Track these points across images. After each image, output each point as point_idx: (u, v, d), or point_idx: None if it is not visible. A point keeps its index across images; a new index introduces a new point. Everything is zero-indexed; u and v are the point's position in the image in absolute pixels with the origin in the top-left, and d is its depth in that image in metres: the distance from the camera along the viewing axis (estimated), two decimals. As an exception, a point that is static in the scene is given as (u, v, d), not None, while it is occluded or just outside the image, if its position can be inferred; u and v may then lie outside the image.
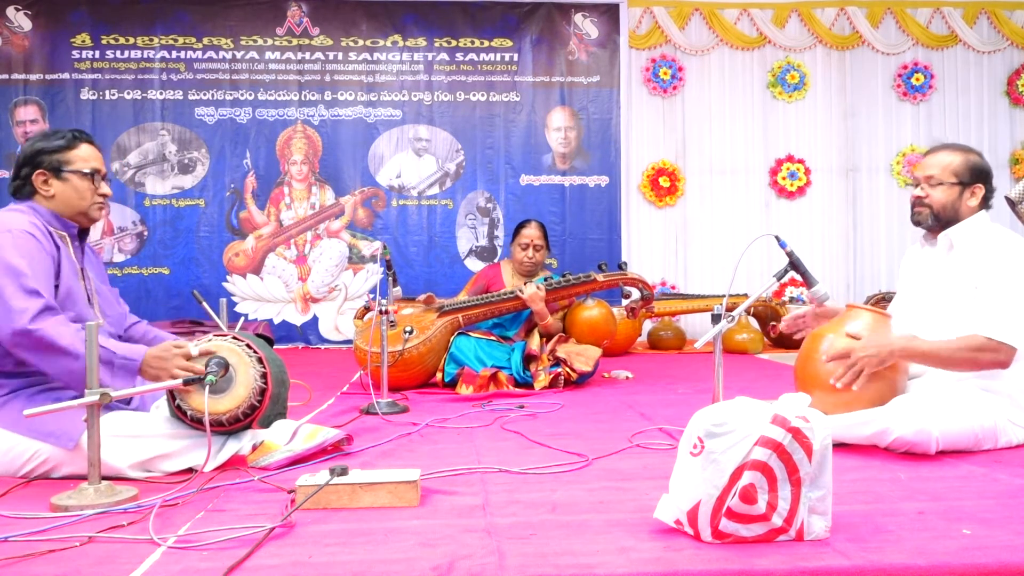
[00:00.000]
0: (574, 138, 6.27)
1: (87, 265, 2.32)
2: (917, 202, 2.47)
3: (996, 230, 2.41)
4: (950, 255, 2.45)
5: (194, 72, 6.03)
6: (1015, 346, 2.22)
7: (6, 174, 5.89)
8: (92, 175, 2.25)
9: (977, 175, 2.45)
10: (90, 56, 5.96)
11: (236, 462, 2.17)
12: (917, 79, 6.41)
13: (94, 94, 5.96)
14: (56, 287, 2.13)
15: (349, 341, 5.65)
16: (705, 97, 6.36)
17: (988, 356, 2.23)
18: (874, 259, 6.43)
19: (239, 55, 6.07)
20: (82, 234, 2.32)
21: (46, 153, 2.21)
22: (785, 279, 2.50)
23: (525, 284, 3.91)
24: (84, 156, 2.25)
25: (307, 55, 6.12)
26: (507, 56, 6.22)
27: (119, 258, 5.97)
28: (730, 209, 6.34)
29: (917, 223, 2.49)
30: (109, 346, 2.06)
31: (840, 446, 2.13)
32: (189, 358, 2.09)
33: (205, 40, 6.04)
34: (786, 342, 5.39)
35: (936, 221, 2.44)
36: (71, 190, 2.23)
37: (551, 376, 3.65)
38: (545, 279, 4.05)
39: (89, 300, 2.27)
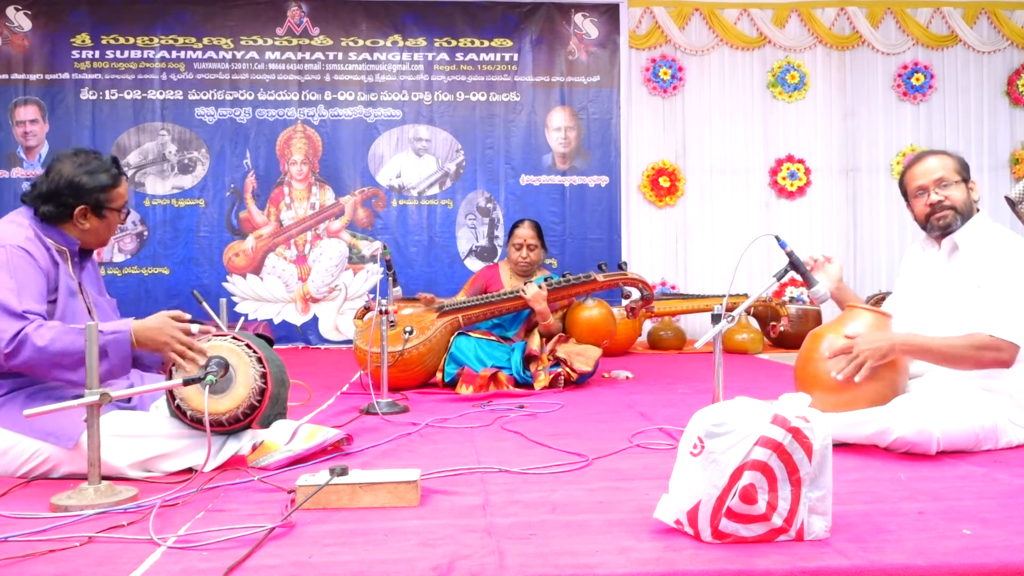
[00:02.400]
0: (574, 138, 6.27)
1: (85, 280, 2.31)
2: (937, 207, 2.42)
3: (998, 230, 2.41)
4: (953, 259, 2.44)
5: (194, 72, 6.03)
6: (1019, 344, 2.22)
7: (6, 174, 5.90)
8: (123, 210, 2.28)
9: (968, 170, 2.50)
10: (90, 56, 5.96)
11: (236, 462, 2.17)
12: (917, 79, 6.41)
13: (94, 94, 5.96)
14: (53, 302, 2.13)
15: (349, 341, 5.66)
16: (705, 97, 6.36)
17: (991, 355, 2.23)
18: (874, 259, 6.43)
19: (239, 55, 6.07)
20: (84, 251, 2.31)
21: (93, 191, 2.18)
22: (785, 279, 2.50)
23: (526, 284, 3.91)
24: (122, 193, 2.26)
25: (307, 55, 6.12)
26: (507, 56, 6.21)
27: (119, 258, 5.97)
28: (730, 209, 6.34)
29: (946, 227, 2.42)
30: None
31: (840, 446, 2.12)
32: (189, 333, 2.08)
33: (205, 40, 6.04)
34: (786, 342, 5.39)
35: (961, 221, 2.42)
36: (105, 226, 2.25)
37: (551, 376, 3.65)
38: (545, 278, 4.05)
39: (89, 313, 2.27)
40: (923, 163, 2.48)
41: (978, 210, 2.46)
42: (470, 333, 3.87)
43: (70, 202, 2.17)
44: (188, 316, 2.14)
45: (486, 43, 6.20)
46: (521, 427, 2.74)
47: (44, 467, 2.06)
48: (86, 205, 2.19)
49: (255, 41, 6.08)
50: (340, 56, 6.13)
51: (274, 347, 2.94)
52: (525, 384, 3.65)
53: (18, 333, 1.97)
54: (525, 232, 4.15)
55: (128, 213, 2.33)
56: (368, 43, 6.15)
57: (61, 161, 2.20)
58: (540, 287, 3.87)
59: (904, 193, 2.55)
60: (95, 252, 2.38)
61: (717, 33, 6.32)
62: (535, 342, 3.82)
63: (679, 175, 6.32)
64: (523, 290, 3.88)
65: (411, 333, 3.59)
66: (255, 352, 2.18)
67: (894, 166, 6.43)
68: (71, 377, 2.00)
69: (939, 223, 2.44)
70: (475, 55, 6.20)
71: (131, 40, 5.98)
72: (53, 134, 5.93)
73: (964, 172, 2.46)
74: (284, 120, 6.11)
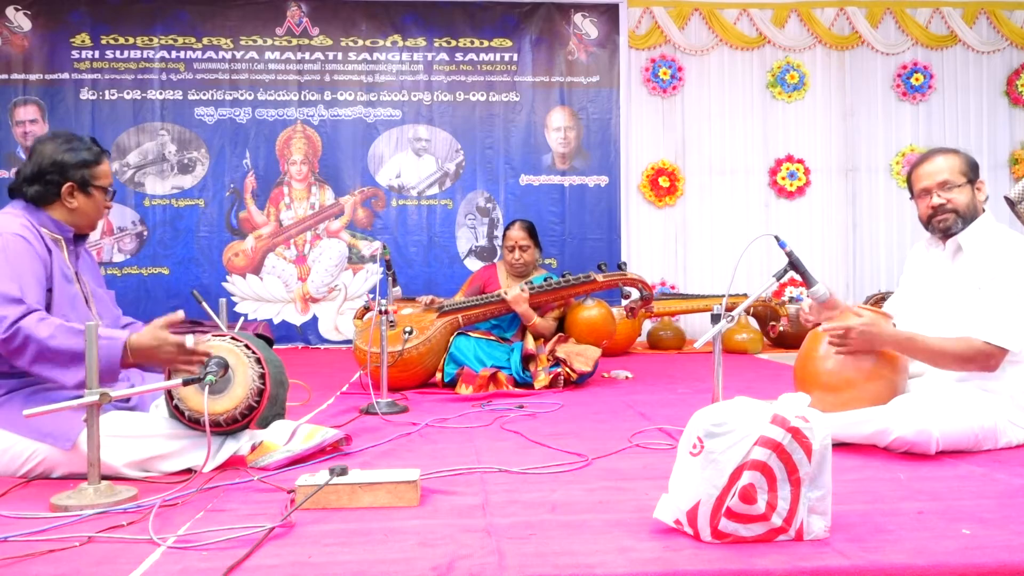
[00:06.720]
0: (574, 138, 6.27)
1: (81, 268, 2.31)
2: (939, 210, 2.41)
3: (1003, 232, 2.40)
4: (957, 260, 2.44)
5: (194, 72, 6.03)
6: (1009, 348, 2.22)
7: (6, 174, 5.89)
8: (108, 190, 2.28)
9: (976, 170, 2.48)
10: (90, 56, 5.96)
11: (235, 462, 2.16)
12: (916, 79, 6.41)
13: (94, 94, 5.96)
14: (49, 290, 2.12)
15: (349, 341, 5.65)
16: (705, 97, 6.36)
17: (977, 365, 2.25)
18: (874, 259, 6.43)
19: (239, 55, 6.07)
20: (78, 237, 2.31)
21: (76, 167, 2.19)
22: (785, 279, 2.50)
23: (522, 285, 3.91)
24: (106, 172, 2.28)
25: (307, 55, 6.11)
26: (507, 56, 6.21)
27: (119, 258, 5.97)
28: (730, 209, 6.34)
29: (946, 230, 2.42)
30: None
31: (840, 446, 2.12)
32: (181, 346, 2.05)
33: (205, 40, 6.04)
34: (786, 342, 5.39)
35: (964, 224, 2.41)
36: (92, 205, 2.25)
37: (551, 376, 3.65)
38: (545, 278, 4.04)
39: (87, 302, 2.26)
40: (930, 163, 2.46)
41: (984, 210, 2.45)
42: (469, 333, 3.87)
43: (56, 180, 2.19)
44: (181, 316, 2.11)
45: (486, 43, 6.20)
46: (521, 427, 2.74)
47: (42, 467, 2.05)
48: (72, 182, 2.20)
49: (255, 41, 6.08)
50: (340, 56, 6.13)
51: (274, 347, 2.93)
52: (525, 384, 3.65)
53: (17, 320, 1.96)
54: (516, 233, 4.13)
55: (114, 194, 2.33)
56: (368, 43, 6.15)
57: (43, 143, 2.23)
58: (523, 289, 3.86)
59: (911, 190, 2.55)
60: (88, 240, 2.37)
61: (717, 33, 6.32)
62: (531, 341, 3.82)
63: (679, 175, 6.32)
64: (505, 292, 3.87)
65: (411, 333, 3.59)
66: (254, 352, 2.17)
67: (894, 166, 6.43)
68: (59, 376, 1.97)
69: (939, 225, 2.44)
70: (475, 55, 6.20)
71: (131, 40, 5.98)
72: (53, 134, 5.92)
73: (971, 172, 2.44)
74: (284, 120, 6.11)
